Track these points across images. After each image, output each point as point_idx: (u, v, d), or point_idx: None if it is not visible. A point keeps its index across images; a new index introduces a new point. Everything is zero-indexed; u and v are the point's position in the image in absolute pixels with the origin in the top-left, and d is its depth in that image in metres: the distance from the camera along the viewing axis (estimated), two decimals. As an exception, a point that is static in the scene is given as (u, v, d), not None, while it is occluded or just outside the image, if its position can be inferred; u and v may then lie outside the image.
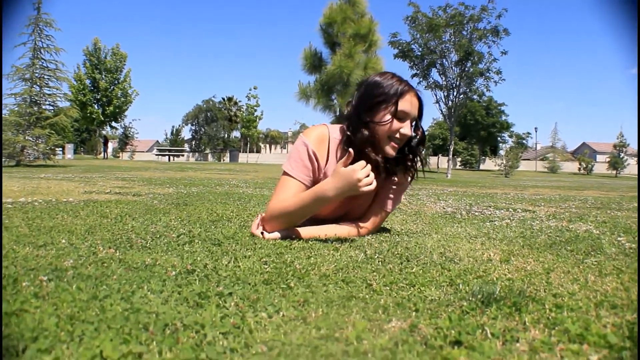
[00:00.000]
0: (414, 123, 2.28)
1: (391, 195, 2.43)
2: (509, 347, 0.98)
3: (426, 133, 2.41)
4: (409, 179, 2.44)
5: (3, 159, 16.19)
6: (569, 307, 1.26)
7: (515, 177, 26.73)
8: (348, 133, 2.27)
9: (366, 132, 2.22)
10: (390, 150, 2.22)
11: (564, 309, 1.23)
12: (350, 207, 2.45)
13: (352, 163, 2.10)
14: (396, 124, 2.18)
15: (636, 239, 2.62)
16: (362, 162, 2.08)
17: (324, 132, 2.33)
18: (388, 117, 2.17)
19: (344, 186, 2.08)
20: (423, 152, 2.40)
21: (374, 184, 2.09)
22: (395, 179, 2.40)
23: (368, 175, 2.07)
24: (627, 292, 1.44)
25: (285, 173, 2.28)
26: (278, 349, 0.94)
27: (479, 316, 1.17)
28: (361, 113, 2.24)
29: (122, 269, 1.52)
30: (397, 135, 2.19)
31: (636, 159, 47.47)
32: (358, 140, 2.22)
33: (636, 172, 44.33)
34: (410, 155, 2.36)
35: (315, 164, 2.28)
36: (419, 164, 2.42)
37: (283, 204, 2.20)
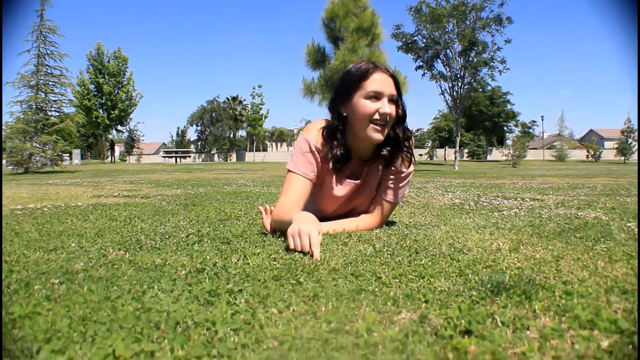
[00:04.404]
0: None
1: (393, 185, 2.40)
2: (519, 335, 0.98)
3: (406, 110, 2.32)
4: (409, 166, 2.38)
5: (11, 167, 16.30)
6: (579, 293, 1.26)
7: (523, 166, 26.61)
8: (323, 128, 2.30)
9: (336, 122, 2.24)
10: (375, 134, 2.18)
11: (574, 296, 1.23)
12: (354, 202, 2.45)
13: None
14: (372, 104, 2.15)
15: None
16: (317, 229, 1.90)
17: (323, 126, 2.33)
18: (362, 100, 2.16)
19: (301, 220, 1.96)
20: (404, 130, 2.32)
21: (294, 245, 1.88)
22: (394, 169, 2.37)
23: (304, 242, 1.83)
24: (638, 278, 1.43)
25: (289, 171, 2.28)
26: (289, 344, 0.95)
27: (489, 305, 1.17)
28: (337, 105, 2.25)
29: (133, 270, 1.54)
30: (377, 117, 2.15)
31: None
32: (330, 130, 2.25)
33: (645, 158, 44.03)
34: (401, 141, 2.30)
35: (319, 158, 2.28)
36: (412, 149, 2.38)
37: (283, 210, 2.18)
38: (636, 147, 43.53)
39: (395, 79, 2.23)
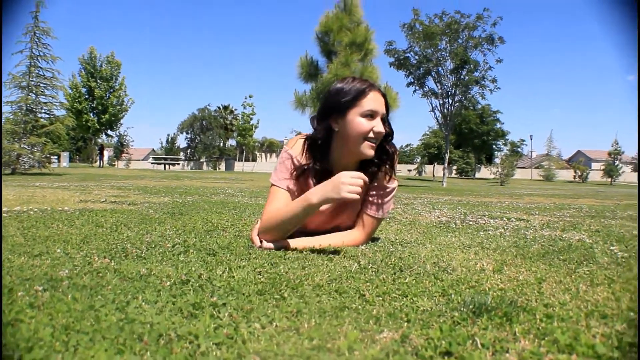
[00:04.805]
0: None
1: (378, 201, 2.41)
2: (498, 358, 1.00)
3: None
4: (389, 180, 2.41)
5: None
6: (560, 317, 1.27)
7: (511, 185, 26.77)
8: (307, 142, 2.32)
9: (321, 136, 2.27)
10: (368, 150, 2.23)
11: (555, 319, 1.25)
12: (339, 219, 2.46)
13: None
14: (368, 123, 2.19)
15: (629, 248, 2.63)
16: (354, 172, 2.09)
17: (305, 140, 2.36)
18: (358, 118, 2.19)
19: (327, 191, 2.08)
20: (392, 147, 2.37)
21: (357, 193, 2.06)
22: (378, 183, 2.39)
23: (356, 185, 2.05)
24: (618, 302, 1.45)
25: (273, 184, 2.30)
26: (271, 360, 0.95)
27: (470, 326, 1.18)
28: (326, 120, 2.27)
29: (117, 279, 1.53)
30: (372, 135, 2.20)
31: (631, 167, 47.58)
32: (313, 145, 2.29)
33: (632, 180, 44.44)
34: (386, 156, 2.34)
35: (300, 172, 2.32)
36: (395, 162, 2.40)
37: (274, 215, 2.22)
38: (623, 170, 43.98)
39: (386, 97, 2.27)
